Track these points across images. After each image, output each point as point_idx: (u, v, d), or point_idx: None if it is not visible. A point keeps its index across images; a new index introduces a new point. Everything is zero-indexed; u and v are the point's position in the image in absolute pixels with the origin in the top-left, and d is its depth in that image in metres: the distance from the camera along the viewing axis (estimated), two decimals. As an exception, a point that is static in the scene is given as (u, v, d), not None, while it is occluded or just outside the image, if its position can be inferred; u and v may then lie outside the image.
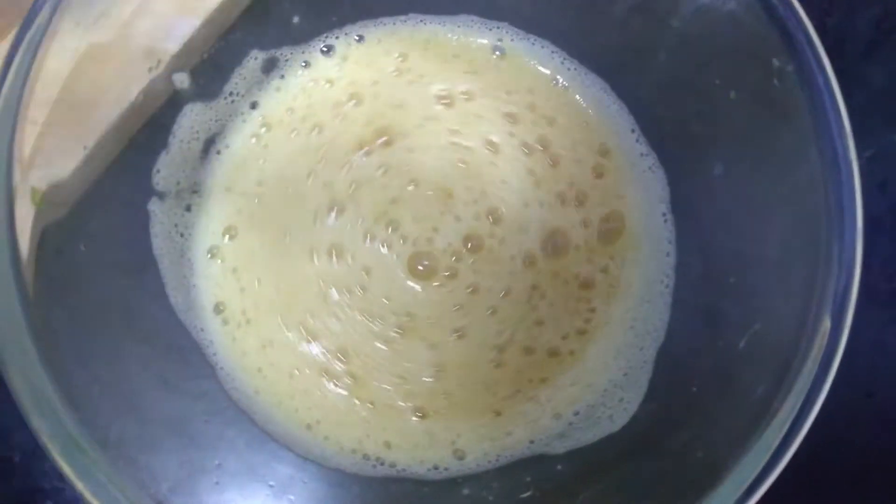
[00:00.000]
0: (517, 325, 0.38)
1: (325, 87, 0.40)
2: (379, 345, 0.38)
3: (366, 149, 0.39)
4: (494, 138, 0.40)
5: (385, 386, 0.38)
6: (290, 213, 0.39)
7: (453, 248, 0.38)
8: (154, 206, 0.37)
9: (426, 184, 0.39)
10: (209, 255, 0.39)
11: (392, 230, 0.39)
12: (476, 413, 0.38)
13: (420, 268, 0.38)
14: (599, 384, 0.38)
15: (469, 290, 0.38)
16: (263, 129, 0.40)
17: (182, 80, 0.37)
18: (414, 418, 0.38)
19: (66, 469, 0.26)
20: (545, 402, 0.38)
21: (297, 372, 0.38)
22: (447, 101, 0.40)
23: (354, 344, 0.38)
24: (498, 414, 0.37)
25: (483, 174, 0.39)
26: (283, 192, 0.39)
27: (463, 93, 0.40)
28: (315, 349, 0.38)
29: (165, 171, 0.38)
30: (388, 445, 0.37)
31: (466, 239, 0.39)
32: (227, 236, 0.39)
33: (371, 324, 0.38)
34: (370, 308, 0.38)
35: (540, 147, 0.40)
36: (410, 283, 0.38)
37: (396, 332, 0.38)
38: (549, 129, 0.40)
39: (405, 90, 0.40)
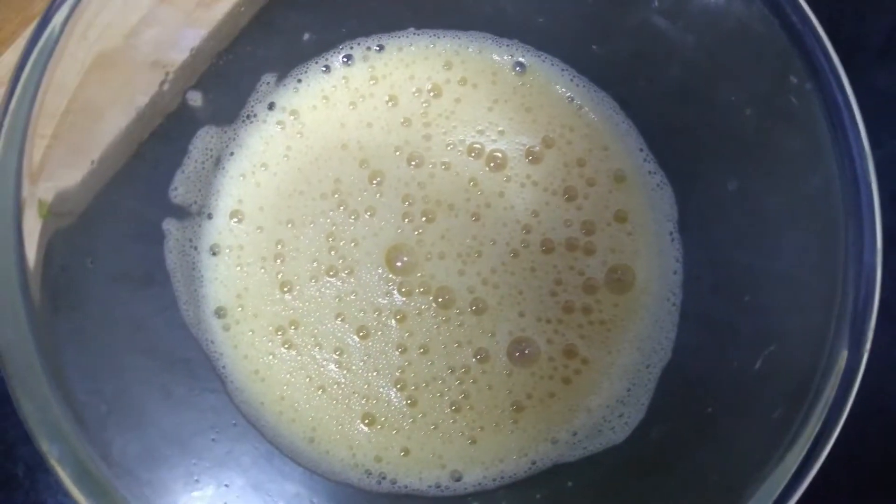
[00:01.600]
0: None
1: (348, 87, 0.40)
2: (353, 351, 0.38)
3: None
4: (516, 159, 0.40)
5: (362, 400, 0.37)
6: (301, 197, 0.39)
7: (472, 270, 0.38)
8: (169, 224, 0.37)
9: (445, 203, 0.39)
10: (212, 253, 0.38)
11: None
12: (447, 440, 0.37)
13: (419, 289, 0.38)
14: (601, 405, 0.37)
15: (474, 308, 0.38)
16: (291, 118, 0.40)
17: (195, 99, 0.37)
18: (388, 434, 0.37)
19: (74, 492, 0.26)
20: (534, 431, 0.37)
21: (290, 377, 0.37)
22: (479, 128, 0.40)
23: (331, 346, 0.38)
24: (473, 442, 0.37)
25: (502, 201, 0.39)
26: (301, 173, 0.39)
27: (492, 123, 0.40)
28: (304, 355, 0.38)
29: (182, 188, 0.38)
30: (378, 459, 0.37)
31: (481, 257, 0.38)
32: (234, 219, 0.39)
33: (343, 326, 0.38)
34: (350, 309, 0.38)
35: (562, 186, 0.39)
36: (395, 291, 0.38)
37: (360, 336, 0.38)
38: (574, 166, 0.39)
39: (417, 104, 0.40)
